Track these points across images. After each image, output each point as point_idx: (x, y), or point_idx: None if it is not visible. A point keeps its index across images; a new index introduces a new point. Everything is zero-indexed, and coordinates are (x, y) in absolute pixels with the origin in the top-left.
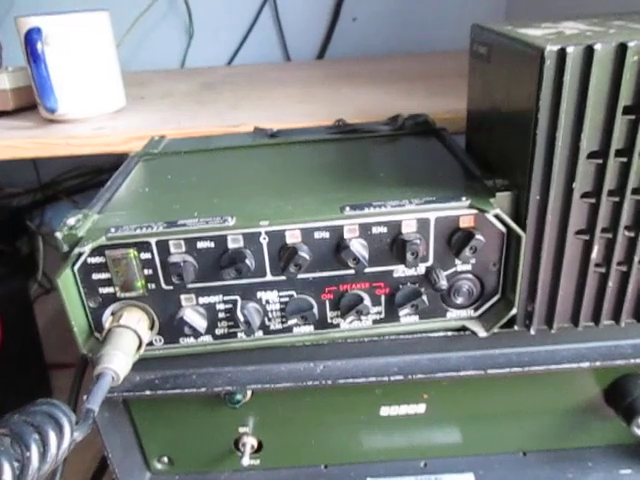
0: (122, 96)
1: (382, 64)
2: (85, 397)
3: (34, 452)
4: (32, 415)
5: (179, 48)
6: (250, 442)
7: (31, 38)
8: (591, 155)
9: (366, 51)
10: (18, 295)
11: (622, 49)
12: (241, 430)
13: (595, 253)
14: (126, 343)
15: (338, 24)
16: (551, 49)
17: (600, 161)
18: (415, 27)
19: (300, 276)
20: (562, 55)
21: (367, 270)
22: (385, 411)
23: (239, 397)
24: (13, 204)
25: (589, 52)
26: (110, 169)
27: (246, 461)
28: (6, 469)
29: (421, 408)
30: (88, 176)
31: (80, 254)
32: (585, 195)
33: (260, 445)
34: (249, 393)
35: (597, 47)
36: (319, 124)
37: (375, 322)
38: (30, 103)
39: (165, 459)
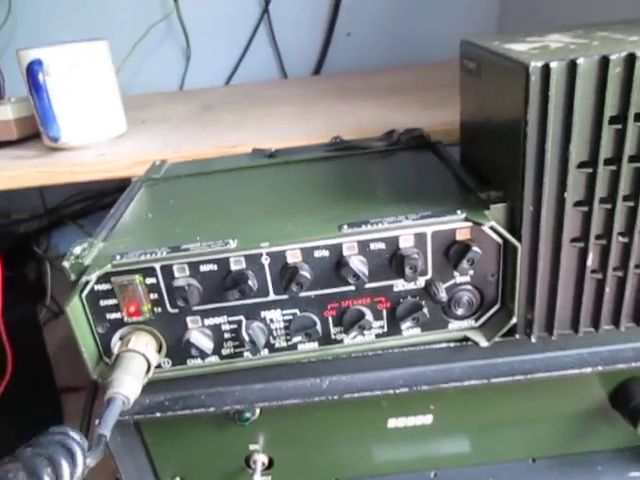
0: (123, 121)
1: (376, 78)
2: (97, 422)
3: None
4: (45, 447)
5: (177, 70)
6: (261, 459)
7: (33, 69)
8: (581, 165)
9: (361, 65)
10: (28, 321)
11: (604, 62)
12: (252, 447)
13: (590, 260)
14: (135, 367)
15: (333, 40)
16: (535, 65)
17: (590, 170)
18: (408, 40)
19: (302, 294)
20: (546, 70)
21: (368, 285)
22: (393, 423)
23: (248, 415)
24: (20, 230)
25: (572, 66)
26: (114, 192)
27: (257, 478)
28: None
29: (428, 419)
30: (92, 200)
31: (87, 282)
32: (577, 204)
33: (271, 462)
34: (258, 411)
35: (580, 61)
36: (317, 141)
37: (378, 336)
38: (33, 132)
39: (178, 479)
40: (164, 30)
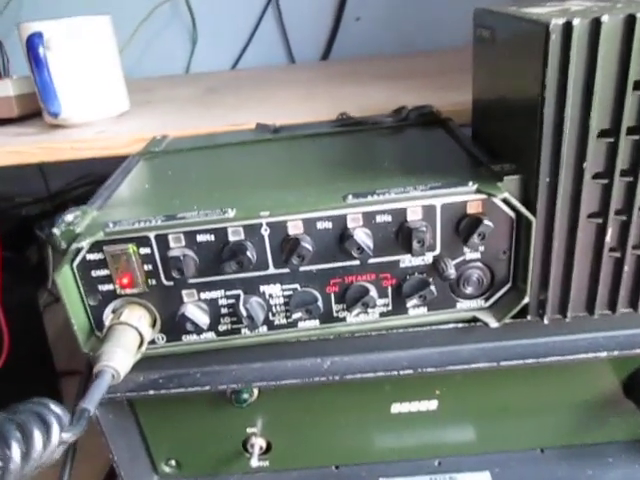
0: (125, 100)
1: (386, 63)
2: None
3: (15, 451)
4: (19, 414)
5: (183, 54)
6: (259, 443)
7: (33, 43)
8: (602, 134)
9: (370, 50)
10: (28, 303)
11: (631, 20)
12: (249, 431)
13: (609, 237)
14: (127, 340)
15: (341, 24)
16: (556, 23)
17: (611, 140)
18: (418, 25)
19: (303, 268)
20: (568, 29)
21: (372, 261)
22: (396, 408)
23: (246, 396)
24: (22, 213)
25: (596, 25)
26: None
27: (255, 462)
28: None
29: (433, 404)
30: (96, 184)
31: (78, 250)
32: (597, 176)
33: (269, 446)
34: (256, 392)
35: (604, 19)
36: (323, 119)
37: (382, 315)
38: (34, 110)
39: (173, 462)
40: (170, 13)
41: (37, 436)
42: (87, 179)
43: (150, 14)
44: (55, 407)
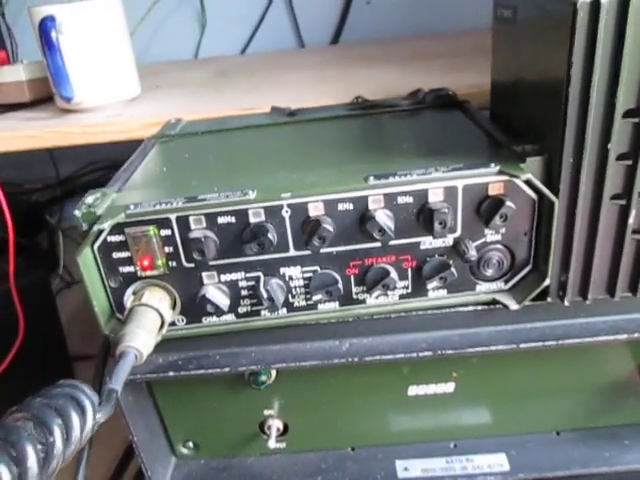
0: (137, 84)
1: (398, 45)
2: (108, 378)
3: (57, 436)
4: (54, 398)
5: (192, 38)
6: (276, 425)
7: (45, 27)
8: (627, 114)
9: (381, 34)
10: (40, 287)
11: None
12: (266, 413)
13: (632, 218)
14: (148, 322)
15: (352, 8)
16: (584, 1)
17: (637, 120)
18: (429, 7)
19: (324, 250)
20: (596, 5)
21: (393, 242)
22: (413, 391)
23: (264, 378)
24: (32, 199)
25: (625, 2)
26: None
27: (272, 444)
28: (31, 454)
29: (450, 387)
30: (106, 170)
31: (100, 232)
32: (621, 157)
33: (286, 428)
34: (273, 374)
35: None
36: (337, 103)
37: (402, 297)
38: (46, 95)
39: (190, 444)
40: None
41: (75, 419)
42: (96, 165)
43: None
44: (86, 388)
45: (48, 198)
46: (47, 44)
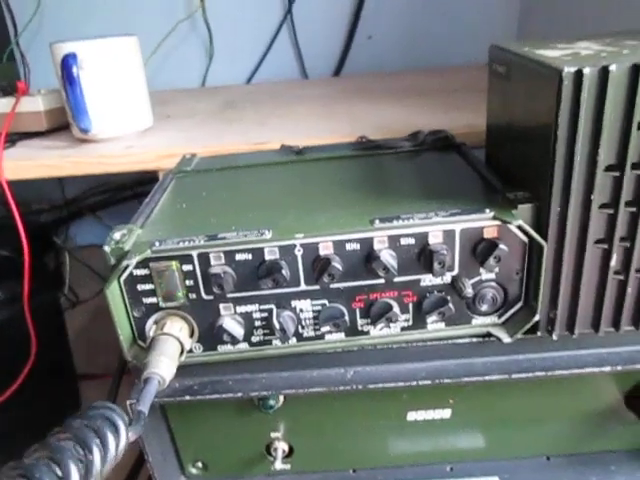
0: (150, 115)
1: (397, 80)
2: (135, 400)
3: (96, 455)
4: (92, 419)
5: (200, 68)
6: (282, 447)
7: (67, 63)
8: (608, 168)
9: (381, 67)
10: (50, 307)
11: (635, 69)
12: (273, 435)
13: (614, 261)
14: (170, 350)
15: (354, 42)
16: (569, 70)
17: (617, 174)
18: (429, 43)
19: (332, 286)
20: (579, 76)
21: (396, 279)
22: (412, 416)
23: (272, 402)
24: (40, 220)
25: (604, 73)
26: (132, 185)
27: (278, 465)
28: (74, 472)
29: (447, 413)
30: (111, 192)
31: (127, 266)
32: (603, 206)
33: (291, 450)
34: (281, 398)
35: (612, 68)
36: (342, 140)
37: (403, 329)
38: (61, 124)
39: (199, 464)
40: (187, 28)
41: (111, 439)
42: (102, 188)
43: (173, 30)
44: (120, 411)
45: (54, 219)
46: (68, 79)
